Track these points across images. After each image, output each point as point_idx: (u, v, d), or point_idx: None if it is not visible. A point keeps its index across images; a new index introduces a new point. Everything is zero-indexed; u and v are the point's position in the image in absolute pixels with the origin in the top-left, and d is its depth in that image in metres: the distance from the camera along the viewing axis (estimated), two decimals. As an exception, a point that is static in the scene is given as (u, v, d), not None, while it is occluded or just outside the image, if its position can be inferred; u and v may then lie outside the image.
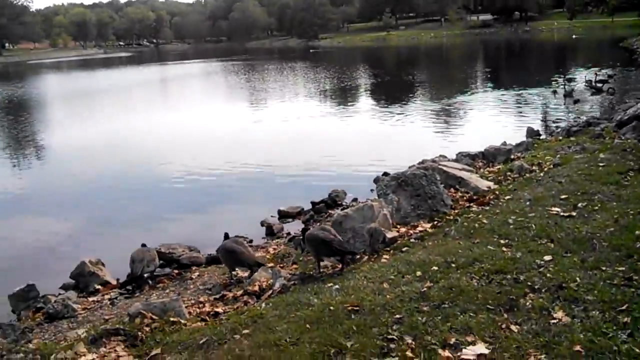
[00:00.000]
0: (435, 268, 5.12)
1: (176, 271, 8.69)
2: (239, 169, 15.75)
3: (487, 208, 7.42)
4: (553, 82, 28.87)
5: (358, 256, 6.49)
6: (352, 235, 7.04)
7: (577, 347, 3.50)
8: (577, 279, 4.46)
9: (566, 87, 25.28)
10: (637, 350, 3.41)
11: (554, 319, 3.91)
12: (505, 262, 4.99)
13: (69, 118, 30.93)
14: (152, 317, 5.42)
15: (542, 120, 20.24)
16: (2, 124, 27.56)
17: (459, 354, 3.61)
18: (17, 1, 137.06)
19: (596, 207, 6.37)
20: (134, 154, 19.56)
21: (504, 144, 14.22)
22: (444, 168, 9.66)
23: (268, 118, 25.44)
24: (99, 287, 8.29)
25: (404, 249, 6.26)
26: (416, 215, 7.77)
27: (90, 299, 7.83)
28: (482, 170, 11.78)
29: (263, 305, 5.25)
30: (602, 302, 4.03)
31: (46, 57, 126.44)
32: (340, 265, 6.11)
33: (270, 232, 10.55)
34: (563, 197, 6.97)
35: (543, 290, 4.35)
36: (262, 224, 10.86)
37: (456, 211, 7.72)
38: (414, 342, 3.83)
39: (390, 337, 3.93)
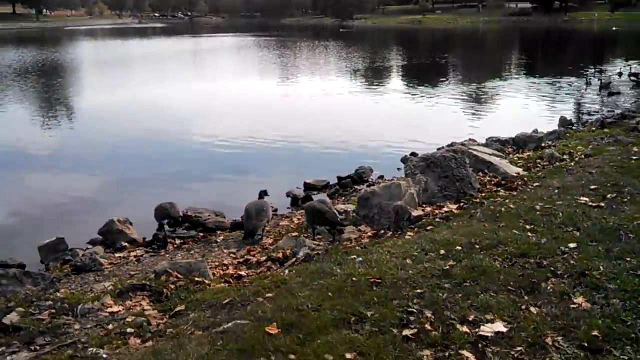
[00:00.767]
0: (459, 248, 5.15)
1: (202, 234, 8.86)
2: (268, 141, 15.85)
3: (515, 194, 7.39)
4: (588, 73, 28.24)
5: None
6: (378, 211, 7.11)
7: (595, 332, 3.51)
8: (601, 267, 4.45)
9: (603, 79, 24.69)
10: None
11: (574, 304, 3.92)
12: (529, 246, 5.00)
13: (102, 83, 31.38)
14: (178, 275, 5.58)
15: (575, 111, 19.88)
16: (36, 87, 27.98)
17: (477, 330, 3.65)
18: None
19: (625, 200, 6.31)
20: (165, 120, 19.79)
21: (536, 131, 14.06)
22: (474, 152, 9.63)
23: (298, 93, 25.47)
24: (126, 244, 8.51)
25: (428, 228, 6.28)
26: (443, 196, 7.79)
27: (117, 255, 8.02)
28: (511, 156, 11.70)
29: (287, 272, 5.34)
30: (624, 292, 4.03)
31: (82, 25, 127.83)
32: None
33: (295, 203, 10.61)
34: (593, 187, 6.92)
35: (565, 276, 4.36)
36: (287, 194, 10.97)
37: (483, 195, 7.71)
38: (433, 317, 3.87)
39: (410, 310, 3.97)
